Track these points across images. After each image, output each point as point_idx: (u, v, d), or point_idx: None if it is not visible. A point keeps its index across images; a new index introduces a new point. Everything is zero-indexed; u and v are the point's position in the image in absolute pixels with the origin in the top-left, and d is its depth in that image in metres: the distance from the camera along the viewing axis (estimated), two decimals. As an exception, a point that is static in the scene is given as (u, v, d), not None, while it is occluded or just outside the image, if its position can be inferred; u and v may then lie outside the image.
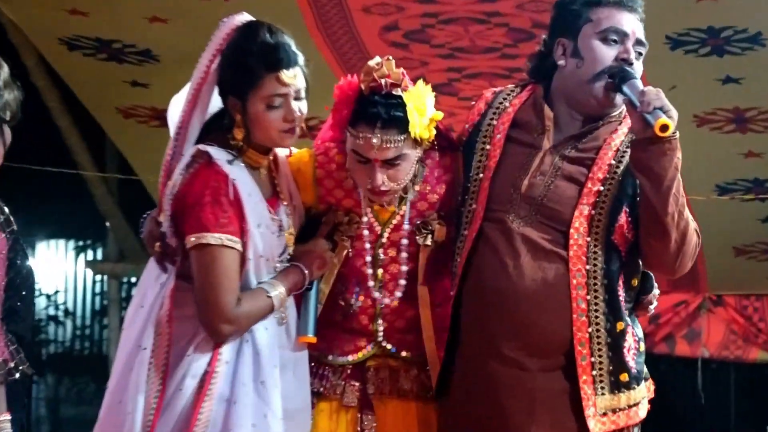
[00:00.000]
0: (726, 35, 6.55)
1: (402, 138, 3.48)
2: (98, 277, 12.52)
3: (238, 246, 3.46)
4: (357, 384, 3.62)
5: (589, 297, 3.38)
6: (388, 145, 3.49)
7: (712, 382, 8.88)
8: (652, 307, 3.61)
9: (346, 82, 3.55)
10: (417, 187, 3.63)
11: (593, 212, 3.42)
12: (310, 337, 3.57)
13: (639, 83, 3.30)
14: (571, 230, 3.40)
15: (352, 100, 3.52)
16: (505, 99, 3.63)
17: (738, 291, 8.79)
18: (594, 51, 3.43)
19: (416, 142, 3.53)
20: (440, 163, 3.67)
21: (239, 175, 3.49)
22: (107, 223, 9.69)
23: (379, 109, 3.47)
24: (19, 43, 7.16)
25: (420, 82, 3.54)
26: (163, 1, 6.56)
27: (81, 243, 12.92)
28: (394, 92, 3.49)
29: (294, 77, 3.50)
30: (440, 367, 3.58)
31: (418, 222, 3.63)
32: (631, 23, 3.43)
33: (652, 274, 3.58)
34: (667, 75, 6.45)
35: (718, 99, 7.10)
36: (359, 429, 3.59)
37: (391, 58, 3.52)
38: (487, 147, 3.56)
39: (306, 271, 3.57)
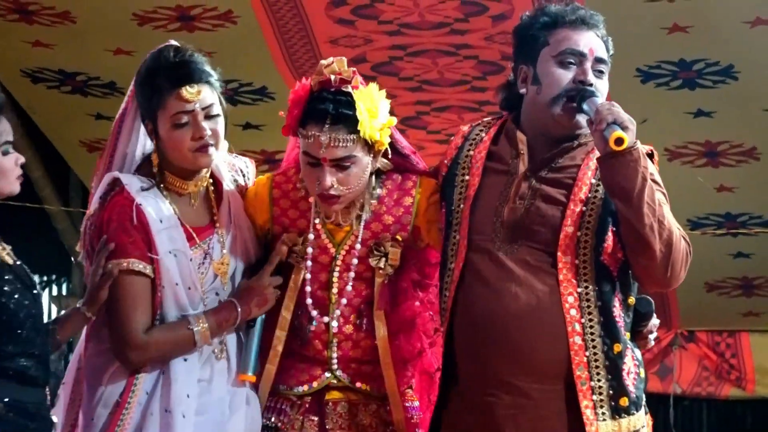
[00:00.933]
0: (698, 68, 6.60)
1: (351, 138, 3.47)
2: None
3: (147, 271, 3.46)
4: (315, 419, 3.59)
5: (583, 320, 3.34)
6: (337, 144, 3.46)
7: (684, 419, 8.89)
8: (652, 336, 3.56)
9: (299, 85, 3.54)
10: (373, 202, 3.62)
11: (579, 234, 3.39)
12: (250, 376, 3.55)
13: (598, 100, 3.30)
14: (559, 253, 3.37)
15: (303, 100, 3.51)
16: (481, 131, 3.61)
17: (710, 327, 8.86)
18: (551, 75, 3.42)
19: (368, 146, 3.52)
20: (400, 185, 3.64)
21: (149, 201, 3.47)
22: (72, 258, 9.57)
23: (328, 105, 3.47)
24: None
25: (372, 84, 3.54)
26: (127, 33, 6.54)
27: (46, 278, 12.77)
28: (343, 89, 3.49)
29: (197, 93, 3.49)
30: (434, 406, 3.52)
31: (372, 243, 3.59)
32: (589, 42, 3.41)
33: (651, 301, 3.53)
34: (638, 108, 6.39)
35: (689, 133, 7.17)
36: None
37: (343, 58, 3.53)
38: (466, 178, 3.53)
39: (239, 308, 3.52)
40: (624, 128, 3.19)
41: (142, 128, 3.59)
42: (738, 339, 8.84)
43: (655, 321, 3.55)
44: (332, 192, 3.49)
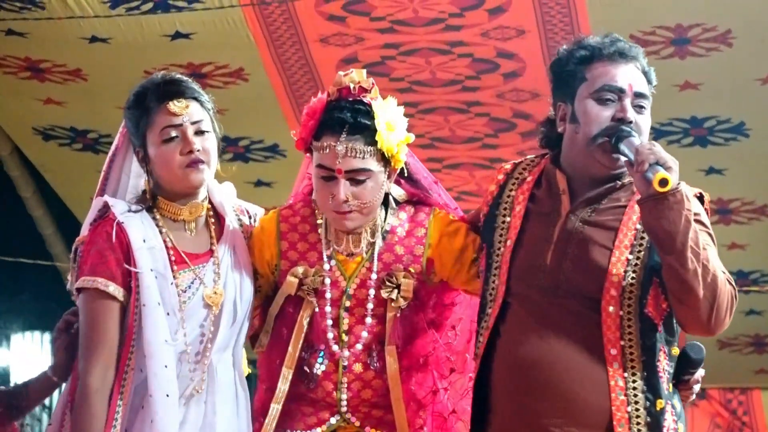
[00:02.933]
0: (709, 125, 6.57)
1: (369, 149, 3.42)
2: (74, 368, 12.48)
3: (117, 293, 3.40)
4: None
5: (626, 374, 3.24)
6: (354, 154, 3.40)
7: None
8: (696, 387, 3.45)
9: (316, 99, 3.49)
10: (387, 226, 3.56)
11: (624, 283, 3.29)
12: None
13: (636, 140, 3.23)
14: (603, 303, 3.27)
15: (319, 112, 3.45)
16: (524, 169, 3.55)
17: (722, 384, 8.84)
18: (589, 114, 3.35)
19: (384, 162, 3.45)
20: (413, 217, 3.58)
21: (132, 221, 3.43)
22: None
23: (346, 114, 3.42)
24: None
25: (392, 98, 3.50)
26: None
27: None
28: (362, 98, 3.44)
29: (185, 107, 3.46)
30: None
31: (384, 275, 3.52)
32: (628, 76, 3.36)
33: (703, 348, 3.44)
34: None
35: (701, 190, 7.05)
36: None
37: (363, 70, 3.49)
38: (508, 219, 3.48)
39: None
40: (667, 168, 3.11)
41: (134, 166, 3.60)
42: (750, 396, 8.87)
43: (701, 372, 3.45)
44: (345, 207, 3.43)
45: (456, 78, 6.27)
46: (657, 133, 6.61)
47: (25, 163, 7.50)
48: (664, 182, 3.08)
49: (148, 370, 3.38)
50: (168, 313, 3.41)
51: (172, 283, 3.43)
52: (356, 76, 3.46)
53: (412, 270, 3.51)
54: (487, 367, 3.38)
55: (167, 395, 3.38)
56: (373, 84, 3.46)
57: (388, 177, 3.50)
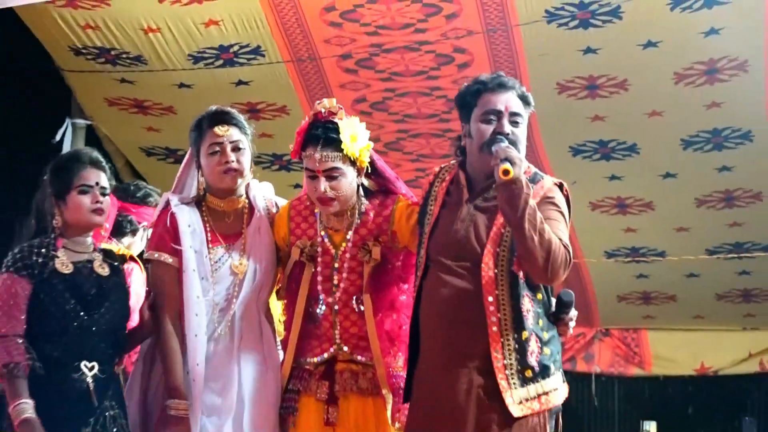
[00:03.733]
0: (725, 134, 6.40)
1: (338, 155, 3.42)
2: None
3: (169, 261, 3.41)
4: (326, 383, 3.48)
5: (499, 315, 3.22)
6: (327, 159, 3.41)
7: (602, 391, 8.79)
8: (572, 324, 3.39)
9: (303, 123, 3.50)
10: (362, 208, 3.51)
11: (497, 249, 3.26)
12: None
13: (503, 144, 3.20)
14: (482, 265, 3.25)
15: (303, 131, 3.46)
16: (446, 172, 3.49)
17: (620, 326, 8.67)
18: (478, 131, 3.32)
19: (351, 162, 3.46)
20: (382, 202, 3.56)
21: (183, 210, 3.45)
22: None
23: (319, 131, 3.42)
24: (111, 150, 7.07)
25: (355, 117, 3.49)
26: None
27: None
28: (331, 119, 3.44)
29: (227, 131, 3.45)
30: (406, 373, 3.42)
31: (360, 243, 3.50)
32: (505, 101, 3.30)
33: (572, 293, 3.39)
34: (677, 166, 6.65)
35: (712, 184, 6.91)
36: (325, 417, 3.45)
37: (333, 99, 3.52)
38: (431, 207, 3.42)
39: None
40: (512, 164, 3.09)
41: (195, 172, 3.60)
42: (639, 334, 8.65)
43: (574, 312, 3.39)
44: (326, 195, 3.42)
45: (423, 69, 6.12)
46: (686, 144, 6.45)
47: (134, 173, 7.46)
48: (506, 172, 3.05)
49: (185, 318, 3.37)
50: (202, 278, 3.39)
51: (206, 256, 3.41)
52: (327, 103, 3.47)
53: (380, 240, 3.51)
54: (417, 310, 3.36)
55: (195, 335, 3.35)
56: (340, 108, 3.47)
57: (358, 174, 3.49)
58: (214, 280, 3.42)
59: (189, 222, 3.42)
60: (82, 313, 3.29)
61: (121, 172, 7.42)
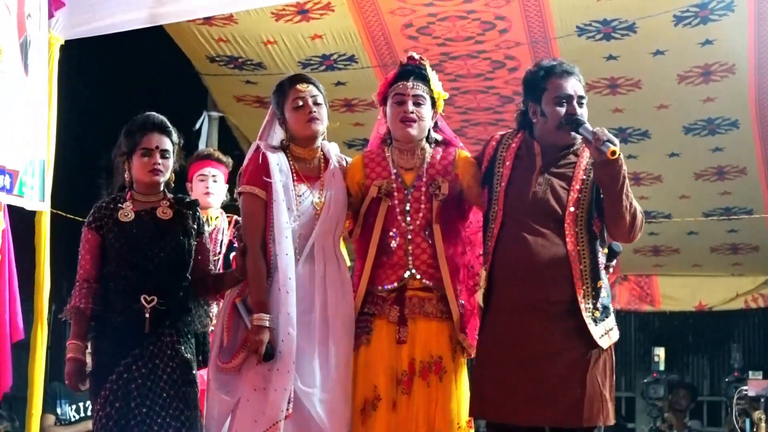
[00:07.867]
0: (717, 122, 6.87)
1: (425, 88, 3.44)
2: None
3: (260, 194, 3.36)
4: (397, 308, 3.48)
5: (581, 266, 3.23)
6: (416, 88, 3.43)
7: (621, 324, 8.92)
8: (613, 264, 3.49)
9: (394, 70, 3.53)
10: (430, 150, 3.50)
11: (577, 211, 3.26)
12: None
13: (588, 126, 3.17)
14: (566, 224, 3.24)
15: (393, 75, 3.50)
16: (509, 138, 3.44)
17: (635, 272, 9.11)
18: (552, 112, 3.28)
19: (432, 101, 3.46)
20: (445, 150, 3.55)
21: (272, 153, 3.41)
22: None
23: (411, 68, 3.47)
24: (239, 136, 7.46)
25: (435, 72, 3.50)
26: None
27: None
28: (421, 64, 3.49)
29: (307, 87, 3.43)
30: (481, 315, 3.40)
31: (429, 180, 3.48)
32: (572, 86, 3.28)
33: (620, 247, 3.48)
34: (676, 147, 7.05)
35: (707, 162, 7.29)
36: (397, 337, 3.46)
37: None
38: (501, 170, 3.38)
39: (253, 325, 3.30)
40: (615, 144, 3.07)
41: (277, 128, 3.55)
42: (651, 279, 9.12)
43: (615, 260, 3.51)
44: (411, 116, 3.39)
45: (480, 72, 6.40)
46: (685, 130, 6.86)
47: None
48: (614, 153, 3.06)
49: (276, 240, 3.34)
50: (288, 208, 3.36)
51: (292, 190, 3.39)
52: (416, 55, 3.51)
53: (446, 179, 3.49)
54: (494, 261, 3.33)
55: (286, 254, 3.33)
56: (426, 59, 3.52)
57: (434, 113, 3.50)
58: (298, 212, 3.37)
59: (277, 161, 3.38)
60: (139, 254, 3.33)
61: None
